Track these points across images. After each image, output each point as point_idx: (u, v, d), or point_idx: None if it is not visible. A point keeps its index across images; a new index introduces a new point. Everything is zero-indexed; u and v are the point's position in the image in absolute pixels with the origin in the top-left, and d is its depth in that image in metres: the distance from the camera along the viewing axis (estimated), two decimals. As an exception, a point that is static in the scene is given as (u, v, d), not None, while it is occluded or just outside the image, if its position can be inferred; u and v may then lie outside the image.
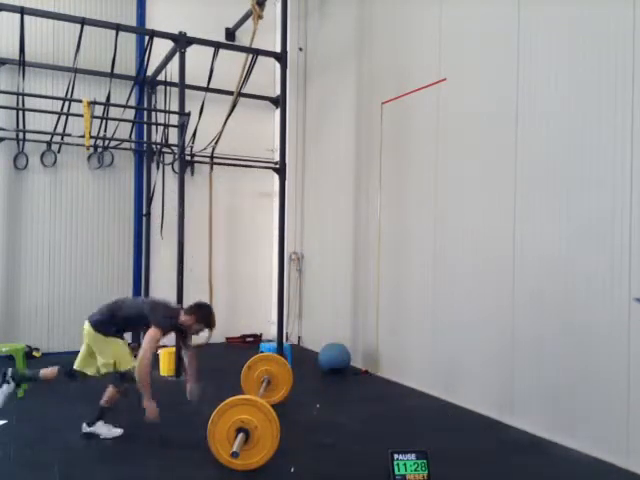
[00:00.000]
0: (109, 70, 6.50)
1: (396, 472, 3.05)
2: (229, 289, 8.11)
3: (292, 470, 3.56)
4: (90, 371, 4.22)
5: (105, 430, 4.22)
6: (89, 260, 7.31)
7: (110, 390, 4.23)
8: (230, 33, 8.03)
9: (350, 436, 4.27)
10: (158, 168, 7.43)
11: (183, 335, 4.44)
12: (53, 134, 6.63)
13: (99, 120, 6.38)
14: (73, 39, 6.39)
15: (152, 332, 4.11)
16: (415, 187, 5.80)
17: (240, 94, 7.05)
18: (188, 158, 6.96)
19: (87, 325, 4.21)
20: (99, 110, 6.21)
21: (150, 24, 7.41)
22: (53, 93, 6.81)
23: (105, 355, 4.16)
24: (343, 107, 7.14)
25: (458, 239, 5.19)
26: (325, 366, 6.27)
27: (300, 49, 8.17)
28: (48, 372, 4.28)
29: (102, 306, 4.33)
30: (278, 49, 6.65)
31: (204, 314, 4.36)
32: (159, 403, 4.35)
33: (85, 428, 4.21)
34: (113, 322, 4.19)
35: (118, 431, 4.25)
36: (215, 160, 7.55)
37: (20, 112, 6.61)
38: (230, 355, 7.22)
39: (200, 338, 4.38)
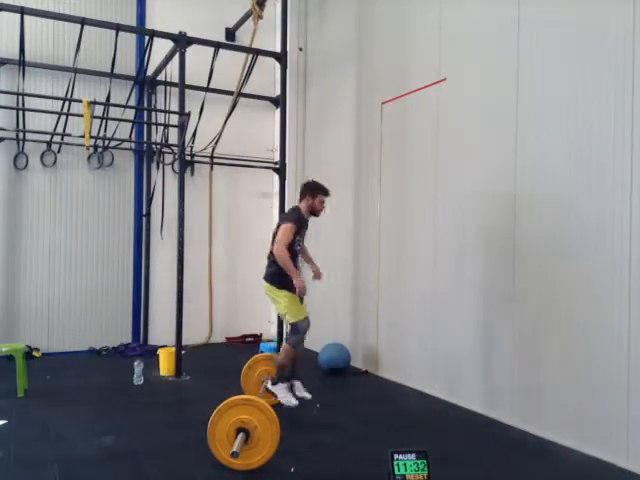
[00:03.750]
0: (109, 70, 6.52)
1: (396, 472, 3.03)
2: (229, 289, 8.11)
3: (292, 470, 3.56)
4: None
5: (282, 394, 4.28)
6: (89, 260, 7.30)
7: (284, 347, 4.41)
8: (230, 33, 8.02)
9: (350, 436, 4.26)
10: (158, 168, 7.44)
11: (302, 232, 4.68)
12: (53, 134, 6.64)
13: (99, 120, 6.38)
14: (73, 39, 6.40)
15: (284, 226, 4.42)
16: (415, 187, 5.80)
17: (240, 94, 7.06)
18: (188, 158, 6.96)
19: (263, 281, 4.58)
20: (99, 110, 6.21)
21: (150, 24, 7.40)
22: (53, 93, 6.81)
23: (278, 307, 4.56)
24: (343, 107, 7.13)
25: (458, 239, 5.19)
26: (325, 366, 6.27)
27: (300, 49, 8.16)
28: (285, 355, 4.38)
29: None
30: (278, 49, 6.66)
31: (312, 187, 4.62)
32: (159, 403, 4.38)
33: (268, 383, 4.33)
34: (275, 271, 4.48)
35: (294, 402, 4.28)
36: (215, 160, 7.55)
37: (20, 112, 6.61)
38: (230, 355, 7.22)
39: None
